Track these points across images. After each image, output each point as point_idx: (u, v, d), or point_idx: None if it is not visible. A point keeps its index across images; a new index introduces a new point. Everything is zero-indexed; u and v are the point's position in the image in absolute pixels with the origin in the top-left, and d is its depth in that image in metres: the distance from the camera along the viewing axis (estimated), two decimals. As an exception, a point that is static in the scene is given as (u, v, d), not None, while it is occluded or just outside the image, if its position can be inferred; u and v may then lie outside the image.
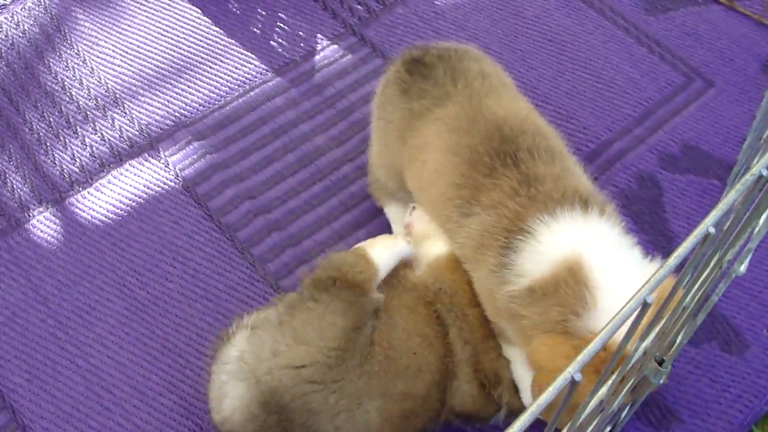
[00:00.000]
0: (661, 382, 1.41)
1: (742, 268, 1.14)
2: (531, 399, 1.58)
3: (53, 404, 1.85)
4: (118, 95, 2.31)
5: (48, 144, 2.22)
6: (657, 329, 1.06)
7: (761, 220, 1.06)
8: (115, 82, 2.33)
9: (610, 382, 1.06)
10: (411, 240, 1.80)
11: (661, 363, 1.40)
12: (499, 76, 1.80)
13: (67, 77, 2.35)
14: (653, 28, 2.41)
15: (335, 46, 2.39)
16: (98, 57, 2.39)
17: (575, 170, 1.63)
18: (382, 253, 1.70)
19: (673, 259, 0.75)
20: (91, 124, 2.25)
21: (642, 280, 1.17)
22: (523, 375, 1.63)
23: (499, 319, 1.60)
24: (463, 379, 1.65)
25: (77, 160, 2.19)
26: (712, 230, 0.74)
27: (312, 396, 1.52)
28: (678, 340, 1.31)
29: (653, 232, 2.03)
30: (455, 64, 1.75)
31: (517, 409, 1.69)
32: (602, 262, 1.45)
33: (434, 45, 1.82)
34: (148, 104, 2.29)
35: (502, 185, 1.56)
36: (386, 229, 2.03)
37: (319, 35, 2.42)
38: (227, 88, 2.31)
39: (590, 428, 1.29)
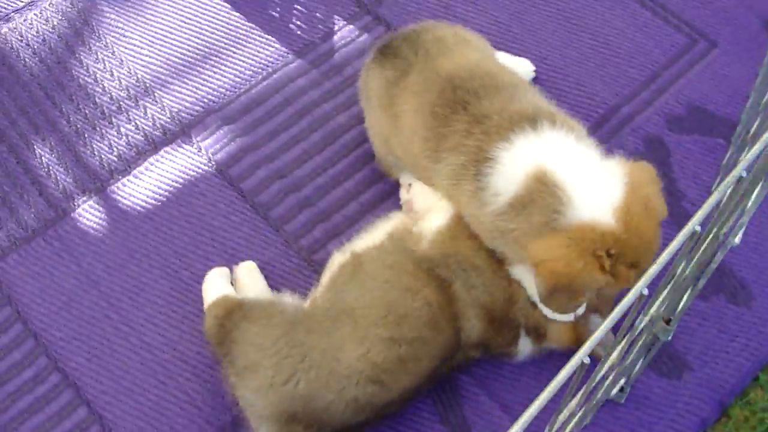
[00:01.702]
0: (668, 338, 1.56)
1: (737, 239, 1.26)
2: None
3: (113, 380, 2.01)
4: (148, 84, 2.43)
5: (86, 135, 2.36)
6: (660, 298, 1.19)
7: (750, 201, 1.18)
8: (144, 72, 2.46)
9: (619, 348, 1.20)
10: (411, 216, 1.98)
11: (668, 322, 1.54)
12: (456, 35, 2.03)
13: (99, 69, 2.47)
14: (657, -9, 2.50)
15: (351, 26, 2.50)
16: (126, 48, 2.51)
17: (524, 96, 1.86)
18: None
19: (665, 256, 0.87)
20: (125, 114, 2.38)
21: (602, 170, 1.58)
22: (532, 285, 1.82)
23: (493, 241, 1.81)
24: (473, 317, 1.84)
25: (114, 149, 2.33)
26: (698, 228, 0.86)
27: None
28: (682, 303, 1.44)
29: (663, 193, 2.15)
30: (415, 38, 2.01)
31: (536, 323, 1.88)
32: (563, 163, 1.69)
33: (399, 30, 2.11)
34: (177, 92, 2.41)
35: (457, 129, 1.80)
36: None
37: (335, 16, 2.53)
38: (251, 72, 2.43)
39: (606, 382, 1.44)
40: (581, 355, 0.86)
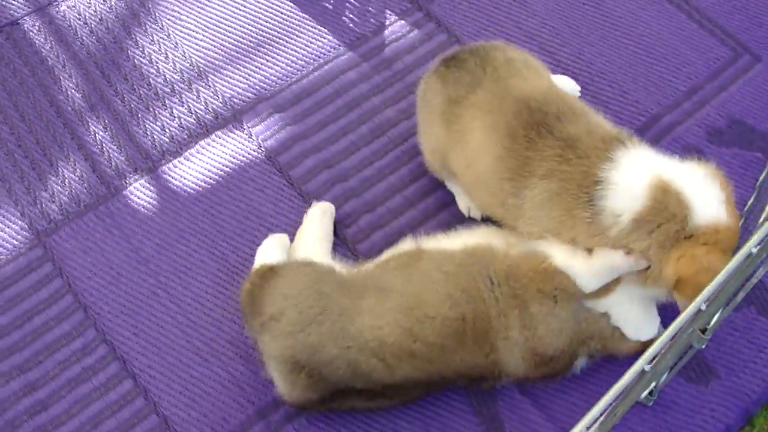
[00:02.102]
0: (702, 347, 1.62)
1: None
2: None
3: (158, 356, 2.08)
4: (201, 69, 2.50)
5: (139, 115, 2.43)
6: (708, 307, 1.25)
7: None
8: (198, 56, 2.52)
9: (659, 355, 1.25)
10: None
11: (704, 331, 1.60)
12: (524, 60, 2.05)
13: (154, 51, 2.54)
14: (704, 3, 2.54)
15: (402, 22, 2.55)
16: (181, 31, 2.57)
17: (597, 119, 1.91)
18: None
19: (723, 274, 0.93)
20: (178, 97, 2.45)
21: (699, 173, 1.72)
22: (626, 314, 1.88)
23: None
24: (518, 357, 1.88)
25: (167, 130, 2.40)
26: (754, 251, 0.92)
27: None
28: (718, 314, 1.50)
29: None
30: (484, 55, 2.02)
31: (607, 347, 1.93)
32: (672, 172, 1.77)
33: (466, 44, 2.12)
34: (230, 77, 2.48)
35: (547, 154, 1.83)
36: (451, 197, 2.22)
37: (387, 11, 2.58)
38: (303, 62, 2.49)
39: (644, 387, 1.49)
40: (642, 363, 0.92)
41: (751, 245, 0.93)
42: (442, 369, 1.89)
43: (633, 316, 1.88)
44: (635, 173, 1.77)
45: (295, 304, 1.88)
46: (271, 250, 2.10)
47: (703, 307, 0.92)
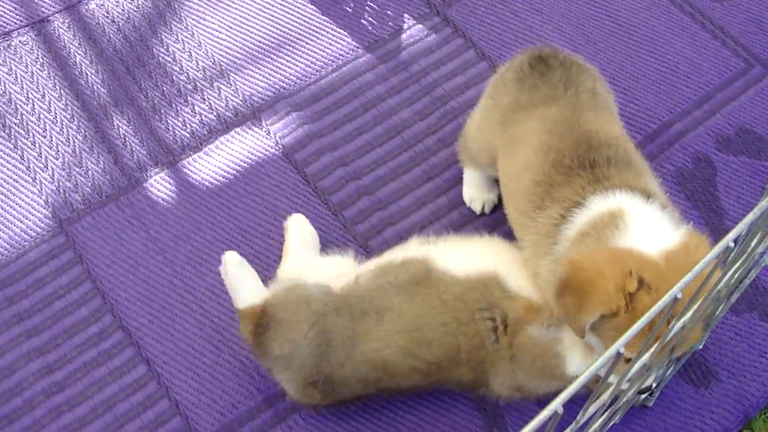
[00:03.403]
0: (699, 347, 1.65)
1: (771, 259, 1.36)
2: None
3: (172, 342, 2.15)
4: (223, 67, 2.57)
5: (162, 111, 2.50)
6: (694, 308, 1.29)
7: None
8: (220, 55, 2.59)
9: (652, 349, 1.30)
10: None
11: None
12: (608, 100, 1.99)
13: (178, 49, 2.61)
14: (718, 14, 2.58)
15: (420, 26, 2.61)
16: (205, 31, 2.65)
17: (646, 176, 1.80)
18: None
19: (699, 265, 0.97)
20: (200, 94, 2.52)
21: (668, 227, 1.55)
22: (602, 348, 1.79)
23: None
24: (508, 389, 1.91)
25: (188, 126, 2.47)
26: (731, 244, 0.96)
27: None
28: (716, 315, 1.54)
29: (705, 209, 2.24)
30: (573, 74, 1.93)
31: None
32: (638, 214, 1.67)
33: (564, 52, 2.00)
34: (251, 76, 2.54)
35: (573, 182, 1.77)
36: (462, 198, 2.27)
37: (405, 14, 2.64)
38: (322, 63, 2.56)
39: (632, 390, 1.54)
40: (615, 350, 0.97)
41: (729, 238, 0.97)
42: (442, 380, 1.94)
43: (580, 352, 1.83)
44: (609, 201, 1.71)
45: (302, 347, 1.88)
46: (245, 281, 2.05)
47: (679, 295, 0.97)
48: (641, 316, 1.39)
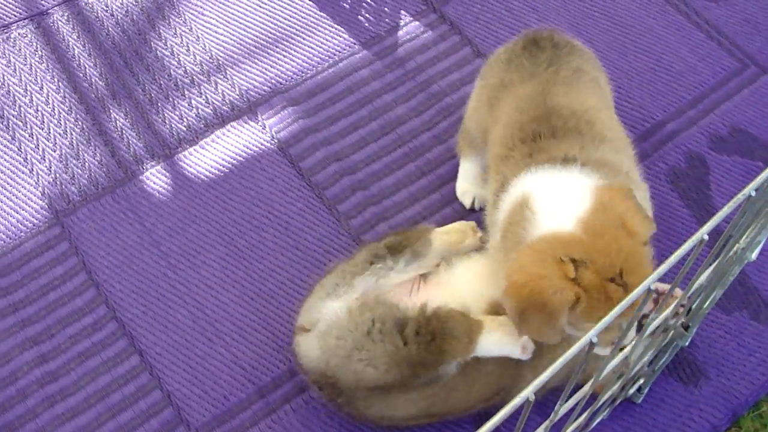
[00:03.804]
0: (686, 344, 1.66)
1: (753, 255, 1.37)
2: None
3: (165, 333, 2.16)
4: (220, 62, 2.58)
5: (159, 104, 2.52)
6: (675, 303, 1.30)
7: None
8: (218, 50, 2.61)
9: (628, 348, 1.31)
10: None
11: (686, 328, 1.65)
12: (597, 79, 1.99)
13: (176, 43, 2.63)
14: (713, 14, 2.59)
15: (417, 23, 2.63)
16: (203, 25, 2.66)
17: (602, 147, 1.77)
18: (490, 342, 1.78)
19: (674, 257, 0.98)
20: (197, 88, 2.54)
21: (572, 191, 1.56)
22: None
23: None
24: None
25: (184, 120, 2.48)
26: (705, 237, 0.98)
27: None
28: (701, 310, 1.55)
29: (697, 208, 2.25)
30: (562, 54, 1.94)
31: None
32: (542, 189, 1.68)
33: (561, 34, 2.01)
34: (248, 71, 2.56)
35: (515, 156, 1.78)
36: (455, 195, 2.28)
37: (402, 11, 2.65)
38: (318, 59, 2.57)
39: (615, 386, 1.55)
40: (589, 338, 0.98)
41: (703, 231, 0.98)
42: (441, 408, 1.93)
43: None
44: (520, 187, 1.72)
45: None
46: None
47: (653, 287, 0.98)
48: (596, 291, 1.49)
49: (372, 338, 1.77)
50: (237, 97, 2.51)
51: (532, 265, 1.56)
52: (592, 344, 0.98)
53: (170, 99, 2.52)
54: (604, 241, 1.54)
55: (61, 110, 2.51)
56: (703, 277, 1.30)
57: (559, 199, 1.64)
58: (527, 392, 0.93)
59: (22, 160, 2.44)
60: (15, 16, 2.69)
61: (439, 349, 1.74)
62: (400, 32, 2.61)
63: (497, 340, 1.76)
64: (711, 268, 1.33)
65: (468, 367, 1.82)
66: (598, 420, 1.92)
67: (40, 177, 2.40)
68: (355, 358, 1.78)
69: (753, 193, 0.99)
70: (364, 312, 1.79)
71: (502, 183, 1.77)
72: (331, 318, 1.83)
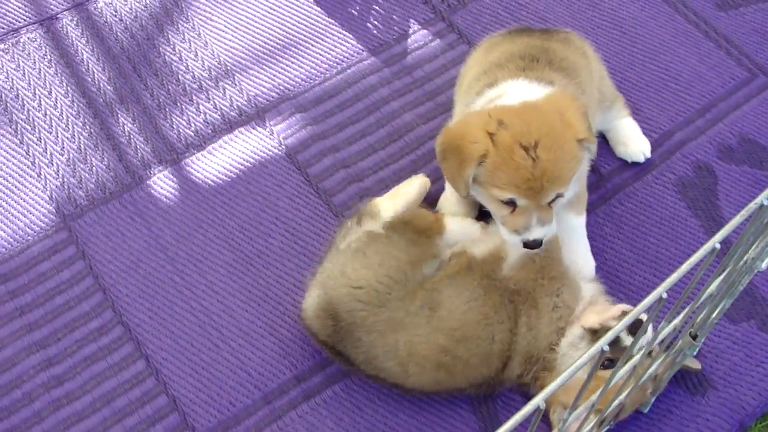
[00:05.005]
0: (694, 354, 1.66)
1: (763, 265, 1.36)
2: None
3: (171, 339, 2.16)
4: (229, 67, 2.58)
5: (167, 109, 2.52)
6: (681, 316, 1.30)
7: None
8: (226, 56, 2.61)
9: (638, 356, 1.31)
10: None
11: (695, 338, 1.65)
12: (583, 46, 2.21)
13: (184, 49, 2.63)
14: (722, 23, 2.59)
15: (425, 31, 2.63)
16: (212, 31, 2.67)
17: (562, 54, 2.06)
18: (454, 224, 2.09)
19: (686, 266, 0.98)
20: (205, 93, 2.54)
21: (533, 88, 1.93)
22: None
23: None
24: (516, 363, 1.97)
25: (192, 125, 2.49)
26: (717, 246, 0.97)
27: (358, 313, 1.94)
28: (710, 320, 1.54)
29: (705, 218, 2.25)
30: (553, 31, 2.21)
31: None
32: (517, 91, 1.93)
33: (551, 27, 2.33)
34: (256, 77, 2.56)
35: (510, 66, 2.03)
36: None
37: (411, 19, 2.66)
38: (327, 65, 2.57)
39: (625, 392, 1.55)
40: (600, 346, 0.98)
41: (716, 240, 0.98)
42: (459, 381, 1.97)
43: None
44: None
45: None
46: None
47: (664, 296, 0.97)
48: (505, 151, 1.73)
49: (359, 253, 2.01)
50: (245, 102, 2.51)
51: (469, 120, 1.84)
52: (603, 352, 0.97)
53: (178, 104, 2.52)
54: (531, 115, 1.78)
55: (69, 114, 2.52)
56: (712, 287, 1.30)
57: (525, 93, 1.89)
58: (538, 400, 0.93)
59: (30, 164, 2.44)
60: (24, 20, 2.70)
61: (415, 229, 2.03)
62: (409, 40, 2.61)
63: (459, 221, 2.09)
64: (721, 277, 1.33)
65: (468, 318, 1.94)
66: (605, 430, 1.92)
67: (47, 181, 2.41)
68: (349, 267, 1.98)
69: (765, 202, 0.99)
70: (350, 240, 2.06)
71: (492, 83, 1.98)
72: (328, 263, 2.05)
